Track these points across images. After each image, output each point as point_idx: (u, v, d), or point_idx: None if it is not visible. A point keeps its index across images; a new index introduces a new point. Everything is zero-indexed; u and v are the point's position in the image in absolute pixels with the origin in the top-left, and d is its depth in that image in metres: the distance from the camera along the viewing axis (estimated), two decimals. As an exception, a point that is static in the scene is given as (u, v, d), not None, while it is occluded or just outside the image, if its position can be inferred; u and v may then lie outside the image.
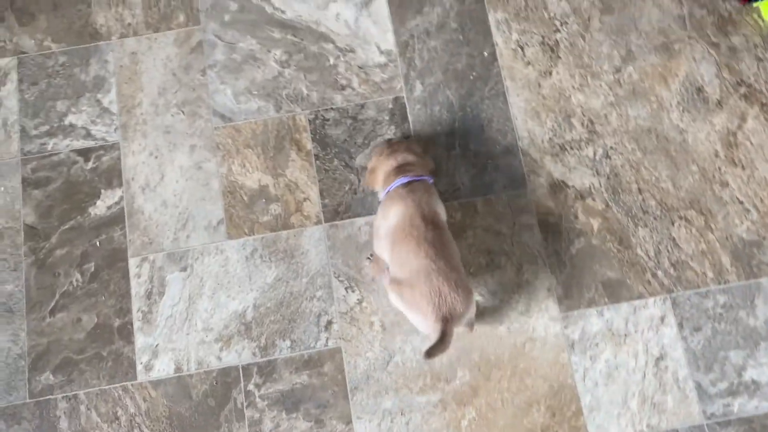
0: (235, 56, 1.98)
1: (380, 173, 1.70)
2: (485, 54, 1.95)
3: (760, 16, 1.94)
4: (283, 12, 2.01)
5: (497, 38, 1.97)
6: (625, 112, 1.90)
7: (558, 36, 1.96)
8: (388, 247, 1.58)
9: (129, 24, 2.01)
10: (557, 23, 1.97)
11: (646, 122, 1.89)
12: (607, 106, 1.91)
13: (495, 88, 1.93)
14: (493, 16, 1.99)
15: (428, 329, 1.48)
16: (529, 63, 1.95)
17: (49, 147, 1.91)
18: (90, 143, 1.92)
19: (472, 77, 1.93)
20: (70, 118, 1.94)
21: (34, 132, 1.93)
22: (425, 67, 1.95)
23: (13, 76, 1.97)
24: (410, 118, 1.92)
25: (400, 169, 1.66)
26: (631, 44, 1.95)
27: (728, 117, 1.89)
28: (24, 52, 1.99)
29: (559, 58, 1.95)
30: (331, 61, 1.97)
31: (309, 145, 1.91)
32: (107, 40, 2.00)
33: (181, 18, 2.01)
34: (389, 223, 1.59)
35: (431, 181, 1.69)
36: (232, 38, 1.99)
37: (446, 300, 1.45)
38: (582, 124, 1.89)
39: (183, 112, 1.94)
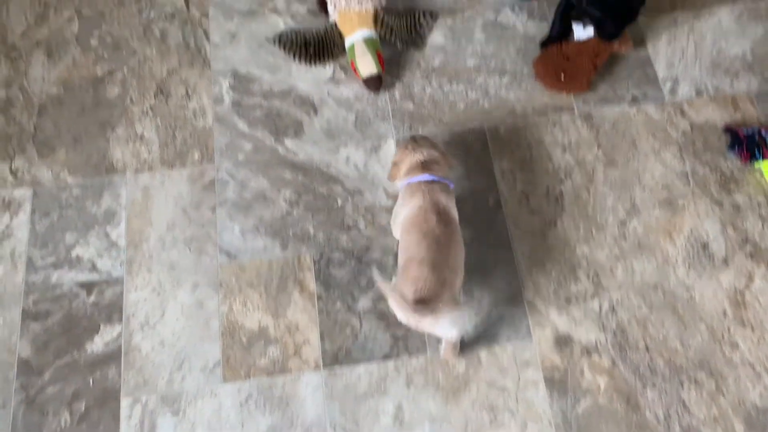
0: (246, 194, 2.02)
1: (404, 166, 1.74)
2: (490, 201, 1.98)
3: (762, 176, 1.97)
4: (295, 154, 2.07)
5: (502, 186, 2.00)
6: (631, 266, 1.89)
7: (563, 187, 2.00)
8: (400, 235, 1.66)
9: (145, 160, 2.07)
10: (562, 175, 2.01)
11: (652, 277, 1.88)
12: (612, 258, 1.90)
13: (499, 236, 1.94)
14: (498, 165, 2.03)
15: (402, 312, 1.48)
16: (533, 212, 1.97)
17: (53, 279, 1.91)
18: (94, 277, 1.92)
19: (476, 224, 1.95)
20: (77, 251, 1.95)
21: (40, 263, 1.94)
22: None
23: (27, 207, 2.01)
24: (415, 263, 1.92)
25: (425, 165, 1.72)
26: (635, 198, 1.98)
27: (735, 275, 1.88)
28: (40, 184, 2.04)
29: (564, 209, 1.97)
30: (339, 202, 2.00)
31: (312, 286, 1.90)
32: (122, 174, 2.05)
33: (196, 156, 2.07)
34: (406, 211, 1.67)
35: (452, 186, 1.74)
36: (244, 177, 2.04)
37: (429, 290, 1.48)
38: (587, 276, 1.88)
39: (189, 249, 1.95)
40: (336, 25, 2.18)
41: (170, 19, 2.29)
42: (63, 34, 2.26)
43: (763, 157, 1.95)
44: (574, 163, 2.03)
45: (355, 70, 2.12)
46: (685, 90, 2.13)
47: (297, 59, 2.19)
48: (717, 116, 2.09)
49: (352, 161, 2.05)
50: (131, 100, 2.15)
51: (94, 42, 2.25)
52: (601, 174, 2.01)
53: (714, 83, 2.14)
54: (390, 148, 2.06)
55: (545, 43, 2.16)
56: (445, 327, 1.54)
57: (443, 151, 1.79)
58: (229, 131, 2.10)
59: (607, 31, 2.02)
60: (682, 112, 2.10)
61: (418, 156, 1.73)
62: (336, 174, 2.04)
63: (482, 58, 2.20)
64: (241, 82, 2.18)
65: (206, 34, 2.26)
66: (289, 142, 2.09)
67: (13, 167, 2.06)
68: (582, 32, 2.13)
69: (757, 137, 1.97)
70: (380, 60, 2.11)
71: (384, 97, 2.15)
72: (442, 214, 1.63)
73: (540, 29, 2.24)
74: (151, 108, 2.14)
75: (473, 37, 2.23)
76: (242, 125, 2.11)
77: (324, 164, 2.05)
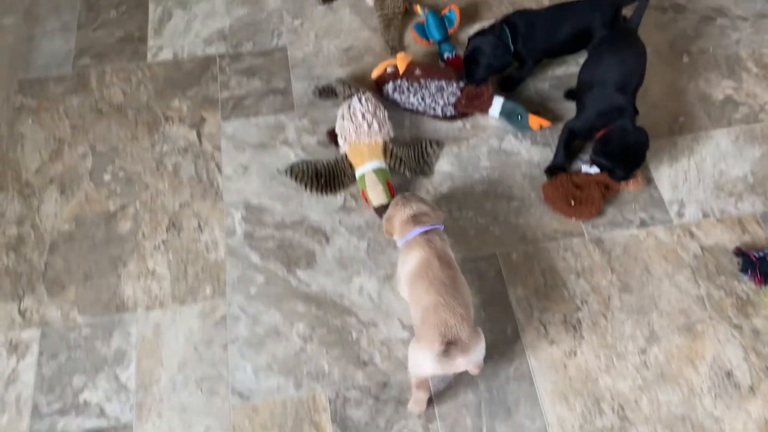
0: (258, 330, 1.98)
1: (396, 221, 1.88)
2: (507, 331, 1.95)
3: (777, 299, 1.97)
4: (308, 285, 2.05)
5: (519, 315, 1.98)
6: (656, 397, 1.84)
7: (580, 314, 1.98)
8: (408, 291, 1.77)
9: (156, 296, 2.05)
10: (578, 301, 2.00)
11: (678, 409, 1.83)
12: (635, 389, 1.86)
13: (520, 369, 1.90)
14: (514, 293, 2.02)
15: (435, 360, 1.58)
16: (552, 342, 1.94)
17: (59, 427, 1.84)
18: (102, 423, 1.85)
19: (495, 356, 1.91)
20: (85, 395, 1.89)
21: (45, 409, 1.87)
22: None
23: (35, 348, 1.96)
24: (434, 402, 1.87)
25: (415, 219, 1.85)
26: (653, 324, 1.96)
27: (763, 404, 1.83)
28: (49, 324, 2.00)
29: (583, 337, 1.94)
30: (354, 335, 1.97)
31: (329, 429, 1.83)
32: (133, 312, 2.02)
33: (208, 290, 2.05)
34: (407, 268, 1.78)
35: (442, 228, 1.88)
36: (257, 311, 2.01)
37: (452, 330, 1.60)
38: (612, 410, 1.83)
39: (201, 390, 1.89)
40: (346, 156, 2.23)
41: (183, 153, 2.34)
42: (77, 170, 2.30)
43: (777, 280, 1.96)
44: (589, 289, 2.02)
45: (366, 199, 2.15)
46: (691, 212, 2.16)
47: (308, 189, 2.22)
48: (726, 238, 2.11)
49: (365, 291, 2.04)
50: (143, 234, 2.16)
51: (107, 177, 2.29)
52: (617, 300, 2.00)
53: (719, 205, 2.17)
54: (404, 278, 2.06)
55: (551, 171, 2.21)
56: (477, 358, 1.69)
57: (432, 206, 1.92)
58: (241, 263, 2.10)
59: (618, 176, 2.08)
60: (691, 235, 2.12)
61: (408, 210, 1.87)
62: (350, 305, 2.02)
63: (489, 183, 2.24)
64: (253, 213, 2.20)
65: (218, 166, 2.31)
66: (301, 273, 2.08)
67: (21, 308, 2.03)
68: (590, 168, 2.19)
69: (768, 260, 1.98)
70: (390, 189, 2.14)
71: (395, 225, 2.16)
72: (441, 259, 1.75)
73: (543, 155, 2.30)
74: (163, 242, 2.14)
75: (479, 164, 2.29)
76: (254, 257, 2.11)
77: (337, 295, 2.03)
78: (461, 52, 2.45)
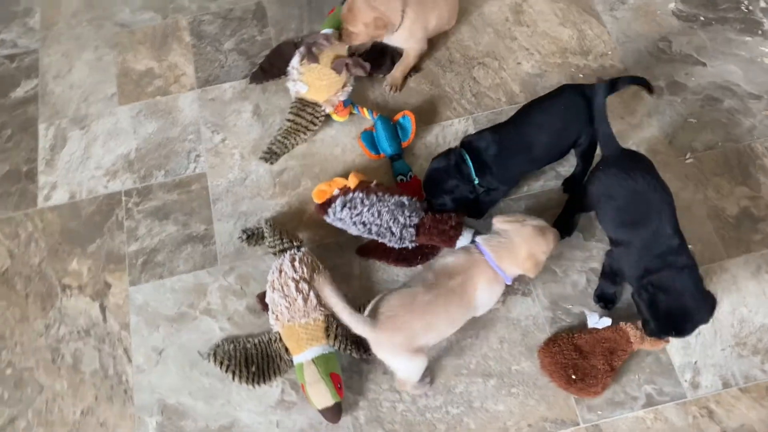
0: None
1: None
2: None
3: None
4: None
5: None
6: None
7: None
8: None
9: None
10: None
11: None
12: None
13: None
14: None
15: None
16: None
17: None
18: (16, 51, 2.42)
19: None
20: (3, 35, 2.46)
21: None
22: None
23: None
24: (268, 14, 2.42)
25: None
26: None
27: None
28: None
29: None
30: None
31: (187, 38, 2.40)
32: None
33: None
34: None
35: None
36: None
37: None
38: None
39: (91, 25, 2.45)
40: (281, 337, 1.81)
41: (84, 336, 1.91)
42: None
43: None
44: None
45: (306, 396, 1.74)
46: (708, 380, 1.76)
47: (237, 379, 1.80)
48: (754, 417, 1.70)
49: None
50: (36, 461, 1.75)
51: (-9, 378, 1.86)
52: None
53: (742, 368, 1.76)
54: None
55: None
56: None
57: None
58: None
59: (650, 331, 1.65)
60: (710, 413, 1.72)
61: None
62: None
63: (459, 353, 1.84)
64: (171, 418, 1.79)
65: (127, 353, 1.88)
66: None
67: None
68: (596, 320, 1.80)
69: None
70: (336, 384, 1.72)
71: (346, 422, 1.76)
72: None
73: (525, 309, 1.88)
74: (61, 471, 1.74)
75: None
76: (175, 481, 1.71)
77: None
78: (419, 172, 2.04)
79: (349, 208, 1.91)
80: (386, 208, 1.88)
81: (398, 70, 2.23)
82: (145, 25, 2.46)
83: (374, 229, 1.89)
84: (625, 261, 1.67)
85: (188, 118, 2.26)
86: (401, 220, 1.87)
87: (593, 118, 1.77)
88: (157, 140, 2.22)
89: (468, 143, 1.88)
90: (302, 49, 2.12)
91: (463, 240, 1.87)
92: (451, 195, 1.88)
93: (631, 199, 1.63)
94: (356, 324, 1.56)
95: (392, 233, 1.89)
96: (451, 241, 1.87)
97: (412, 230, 1.88)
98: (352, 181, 1.94)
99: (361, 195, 1.91)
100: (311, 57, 2.09)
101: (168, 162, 2.18)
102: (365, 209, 1.89)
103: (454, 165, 1.85)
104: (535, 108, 1.87)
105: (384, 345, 1.61)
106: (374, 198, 1.90)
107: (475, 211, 1.99)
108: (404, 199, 1.90)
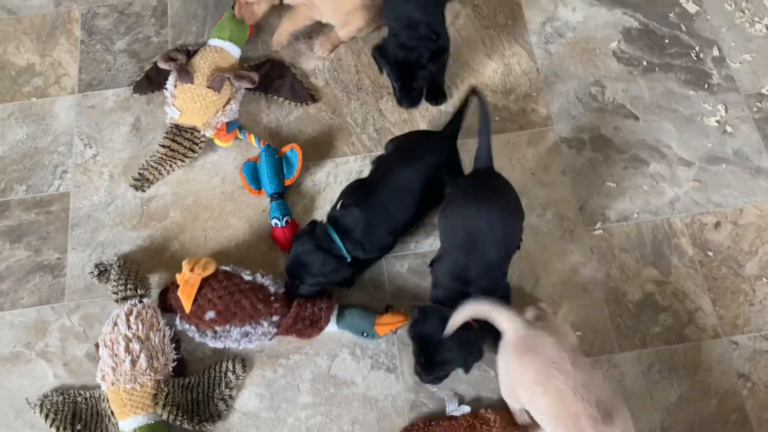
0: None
1: None
2: None
3: None
4: None
5: None
6: None
7: None
8: None
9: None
10: None
11: None
12: None
13: None
14: None
15: None
16: None
17: None
18: None
19: None
20: None
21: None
22: None
23: None
24: (169, 12, 2.16)
25: None
26: None
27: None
28: None
29: None
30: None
31: (77, 33, 2.16)
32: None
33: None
34: None
35: None
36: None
37: None
38: None
39: None
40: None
41: None
42: None
43: None
44: None
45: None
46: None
47: (61, 438, 1.65)
48: None
49: None
50: None
51: None
52: None
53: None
54: None
55: None
56: None
57: None
58: None
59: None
60: None
61: None
62: None
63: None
64: (-16, 472, 1.64)
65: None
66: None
67: None
68: (455, 407, 1.65)
69: None
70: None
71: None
72: None
73: (388, 387, 1.70)
74: None
75: (297, 400, 1.70)
76: None
77: None
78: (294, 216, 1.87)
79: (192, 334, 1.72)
80: (231, 340, 1.68)
81: (283, 27, 2.06)
82: (33, 14, 2.23)
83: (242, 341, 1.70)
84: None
85: (62, 127, 2.05)
86: (251, 344, 1.71)
87: (455, 168, 1.77)
88: (25, 149, 2.02)
89: (334, 220, 1.69)
90: (174, 65, 1.89)
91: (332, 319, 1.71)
92: (321, 277, 1.68)
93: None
94: None
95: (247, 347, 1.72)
96: (318, 330, 1.70)
97: (268, 337, 1.71)
98: (182, 296, 1.66)
99: (196, 331, 1.69)
100: (185, 76, 1.87)
101: (32, 176, 1.98)
102: (207, 340, 1.71)
103: (317, 244, 1.65)
104: (398, 172, 1.72)
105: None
106: (212, 333, 1.68)
107: (347, 282, 1.79)
108: (247, 328, 1.67)
